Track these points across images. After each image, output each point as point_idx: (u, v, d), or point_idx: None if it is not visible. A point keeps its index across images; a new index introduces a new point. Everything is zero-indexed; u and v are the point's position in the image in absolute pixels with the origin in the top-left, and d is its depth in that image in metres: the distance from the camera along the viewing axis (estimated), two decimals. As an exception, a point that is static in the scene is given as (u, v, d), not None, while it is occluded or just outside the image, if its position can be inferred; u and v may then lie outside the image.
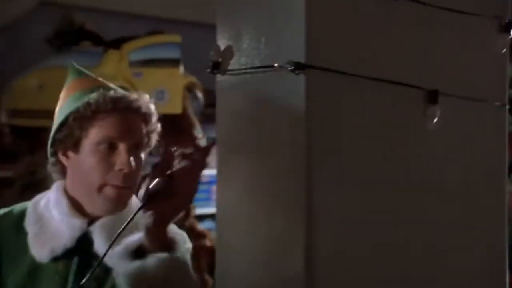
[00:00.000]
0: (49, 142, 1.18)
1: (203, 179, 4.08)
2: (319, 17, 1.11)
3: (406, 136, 1.18)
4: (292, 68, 1.08)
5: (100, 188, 1.15)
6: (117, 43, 2.61)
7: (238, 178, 1.26)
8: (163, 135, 3.10)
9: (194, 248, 2.21)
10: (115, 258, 1.03)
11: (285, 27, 1.15)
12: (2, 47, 3.36)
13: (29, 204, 1.22)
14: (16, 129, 2.97)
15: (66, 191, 1.19)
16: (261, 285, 1.13)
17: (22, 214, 1.20)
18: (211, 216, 4.04)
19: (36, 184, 2.92)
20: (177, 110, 2.65)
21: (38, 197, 1.23)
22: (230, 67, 1.27)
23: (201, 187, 3.87)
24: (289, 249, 1.10)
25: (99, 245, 1.14)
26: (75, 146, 1.16)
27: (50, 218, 1.17)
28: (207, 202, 4.33)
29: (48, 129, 3.14)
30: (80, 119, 1.15)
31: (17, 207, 1.23)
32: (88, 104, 1.15)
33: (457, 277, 1.24)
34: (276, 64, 1.10)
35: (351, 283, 1.10)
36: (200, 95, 3.02)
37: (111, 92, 1.19)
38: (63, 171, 1.20)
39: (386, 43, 1.18)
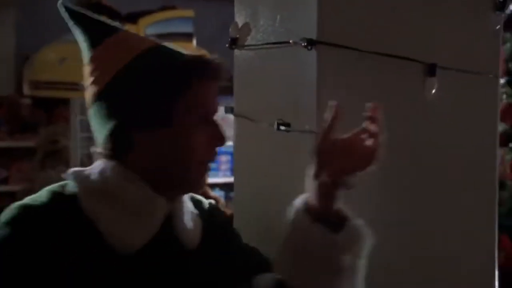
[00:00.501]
0: (117, 118, 0.93)
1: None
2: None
3: (407, 105, 1.30)
4: (305, 44, 1.19)
5: (198, 165, 0.98)
6: (133, 18, 2.71)
7: (254, 148, 1.39)
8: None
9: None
10: (323, 237, 0.99)
11: (298, 6, 1.26)
12: (22, 21, 3.48)
13: (73, 188, 0.94)
14: (35, 100, 3.11)
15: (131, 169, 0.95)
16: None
17: (69, 199, 0.93)
18: (219, 185, 4.19)
19: (57, 153, 3.07)
20: None
21: (80, 178, 0.95)
22: (247, 43, 1.39)
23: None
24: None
25: (180, 227, 0.99)
26: (164, 119, 0.94)
27: (123, 201, 0.94)
28: (216, 172, 4.50)
29: (67, 101, 3.24)
30: (174, 87, 0.94)
31: (55, 189, 0.95)
32: (187, 69, 0.95)
33: (448, 244, 1.37)
34: (290, 41, 1.22)
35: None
36: (211, 67, 3.12)
37: (204, 55, 1.00)
38: (120, 149, 0.95)
39: (390, 20, 1.28)
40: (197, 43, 2.90)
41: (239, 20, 1.42)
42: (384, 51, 1.25)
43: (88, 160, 2.78)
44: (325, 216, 1.00)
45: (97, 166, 0.97)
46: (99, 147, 0.97)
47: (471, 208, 1.40)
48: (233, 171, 1.54)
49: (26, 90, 2.83)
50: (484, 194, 1.43)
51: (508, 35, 3.25)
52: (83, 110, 2.97)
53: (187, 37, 2.78)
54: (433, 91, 1.29)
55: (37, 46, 3.14)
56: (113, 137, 0.94)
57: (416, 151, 1.30)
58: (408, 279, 1.29)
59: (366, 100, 1.25)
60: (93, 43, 0.99)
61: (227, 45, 1.42)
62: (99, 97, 0.96)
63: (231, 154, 4.95)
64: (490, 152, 1.43)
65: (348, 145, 1.00)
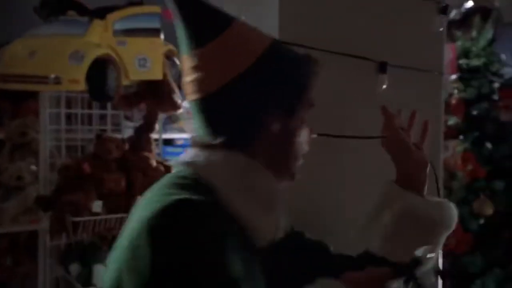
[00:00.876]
0: (244, 110, 0.96)
1: (178, 142, 4.25)
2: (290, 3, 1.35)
3: (361, 99, 1.44)
4: (268, 44, 1.31)
5: (300, 157, 1.04)
6: (101, 13, 2.76)
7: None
8: (146, 99, 3.27)
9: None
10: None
11: (262, 8, 1.38)
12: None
13: (193, 178, 0.94)
14: (2, 93, 3.13)
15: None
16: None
17: (203, 192, 0.91)
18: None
19: (26, 145, 3.10)
20: (158, 76, 2.83)
21: (203, 169, 0.94)
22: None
23: (177, 150, 4.09)
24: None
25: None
26: (291, 112, 0.99)
27: (258, 194, 0.95)
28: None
29: (36, 94, 3.24)
30: (303, 81, 1.01)
31: (178, 181, 0.94)
32: (310, 63, 1.03)
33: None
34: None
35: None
36: (178, 62, 3.21)
37: None
38: (243, 140, 0.97)
39: (346, 22, 1.42)
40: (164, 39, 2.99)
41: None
42: (342, 51, 1.38)
43: (57, 152, 2.84)
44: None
45: (211, 155, 0.95)
46: (208, 138, 0.96)
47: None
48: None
49: (-6, 83, 2.86)
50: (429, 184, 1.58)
51: (459, 33, 3.44)
52: (52, 103, 3.02)
53: (155, 32, 2.85)
54: (384, 86, 1.42)
55: (3, 40, 3.17)
56: (237, 128, 0.96)
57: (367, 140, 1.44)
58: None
59: (326, 96, 1.38)
60: (203, 39, 0.96)
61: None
62: (219, 92, 0.95)
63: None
64: (435, 144, 1.58)
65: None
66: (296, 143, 1.01)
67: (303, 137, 1.02)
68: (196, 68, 0.96)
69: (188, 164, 0.96)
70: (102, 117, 3.21)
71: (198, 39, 0.96)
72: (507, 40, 6.64)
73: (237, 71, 0.94)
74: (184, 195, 0.87)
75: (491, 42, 3.99)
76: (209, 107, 0.96)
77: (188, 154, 0.97)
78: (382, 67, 1.42)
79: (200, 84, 0.96)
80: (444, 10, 1.49)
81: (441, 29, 1.51)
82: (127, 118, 3.46)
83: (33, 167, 2.89)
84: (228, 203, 0.91)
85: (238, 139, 0.95)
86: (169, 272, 0.81)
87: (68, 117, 3.02)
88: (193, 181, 0.92)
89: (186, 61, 0.98)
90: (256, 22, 1.37)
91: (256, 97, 0.95)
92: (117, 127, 3.29)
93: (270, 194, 0.96)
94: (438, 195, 1.20)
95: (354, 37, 1.42)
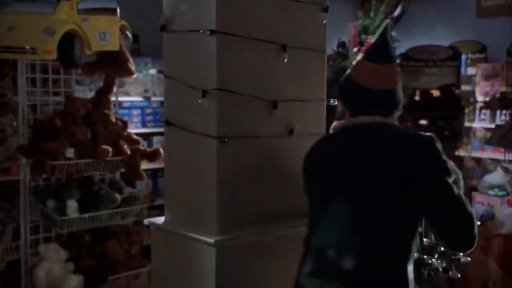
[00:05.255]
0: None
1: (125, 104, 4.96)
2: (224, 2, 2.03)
3: (272, 72, 2.16)
4: (208, 33, 2.00)
5: None
6: (68, -5, 3.34)
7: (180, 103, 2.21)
8: (106, 66, 3.90)
9: (131, 150, 3.16)
10: None
11: (205, 5, 2.05)
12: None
13: None
14: (-14, 61, 3.62)
15: None
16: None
17: None
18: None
19: (4, 105, 3.62)
20: (116, 47, 3.43)
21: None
22: (172, 29, 2.17)
23: (123, 111, 4.83)
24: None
25: None
26: None
27: None
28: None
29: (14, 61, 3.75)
30: None
31: None
32: None
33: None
34: (201, 30, 2.03)
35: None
36: (130, 35, 3.83)
37: None
38: None
39: (260, 16, 2.12)
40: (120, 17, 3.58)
41: (166, 12, 2.20)
42: (258, 37, 2.09)
43: (30, 110, 3.41)
44: None
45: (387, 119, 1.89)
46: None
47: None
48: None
49: (-23, 53, 3.35)
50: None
51: (360, 14, 4.22)
52: (28, 69, 3.56)
53: (112, 11, 3.45)
54: (285, 60, 2.15)
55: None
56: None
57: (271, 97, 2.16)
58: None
59: (249, 71, 2.08)
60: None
61: (159, 29, 2.20)
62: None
63: (141, 108, 5.61)
64: (320, 104, 2.33)
65: None
66: None
67: None
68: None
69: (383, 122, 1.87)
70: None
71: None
72: (416, 13, 7.56)
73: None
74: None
75: (399, 18, 4.68)
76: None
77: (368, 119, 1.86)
78: (284, 48, 2.14)
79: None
80: (326, 9, 2.24)
81: (324, 21, 2.26)
82: (77, 82, 4.04)
83: (13, 122, 3.44)
84: None
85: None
86: None
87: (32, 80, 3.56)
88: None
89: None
90: (203, 16, 2.05)
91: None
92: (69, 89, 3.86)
93: None
94: None
95: (267, 26, 2.12)
